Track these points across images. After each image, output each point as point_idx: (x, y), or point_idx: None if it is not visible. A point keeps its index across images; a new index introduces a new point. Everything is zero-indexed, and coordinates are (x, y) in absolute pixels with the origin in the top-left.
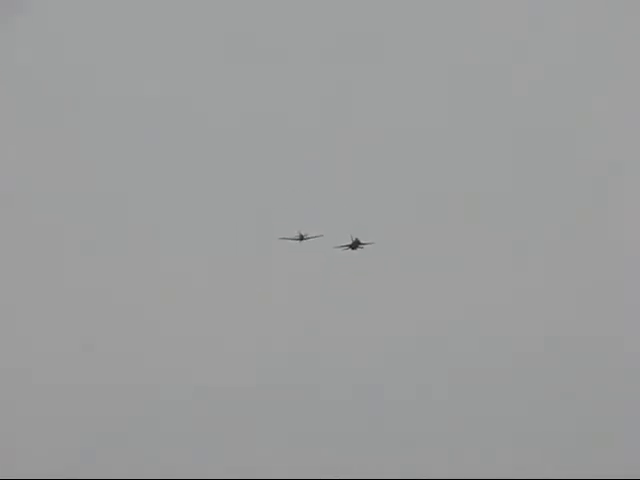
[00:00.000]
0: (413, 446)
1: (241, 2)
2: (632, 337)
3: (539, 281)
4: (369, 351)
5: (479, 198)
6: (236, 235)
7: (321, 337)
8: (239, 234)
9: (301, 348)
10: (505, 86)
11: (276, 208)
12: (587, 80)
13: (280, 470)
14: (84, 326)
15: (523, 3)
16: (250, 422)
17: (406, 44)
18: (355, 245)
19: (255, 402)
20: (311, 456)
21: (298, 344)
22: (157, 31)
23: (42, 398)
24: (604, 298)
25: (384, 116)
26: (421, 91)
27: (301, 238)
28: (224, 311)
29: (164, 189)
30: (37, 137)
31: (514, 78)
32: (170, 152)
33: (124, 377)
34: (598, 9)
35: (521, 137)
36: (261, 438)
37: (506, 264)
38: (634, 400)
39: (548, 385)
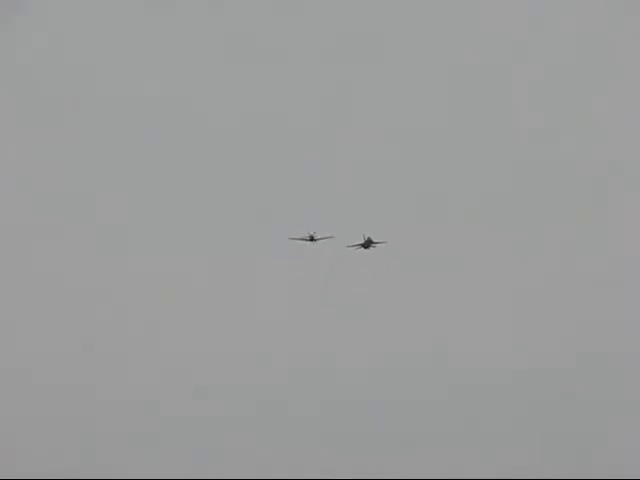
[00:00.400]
0: (413, 447)
1: (241, 2)
2: (632, 337)
3: (539, 282)
4: (369, 351)
5: (479, 198)
6: (236, 235)
7: (321, 337)
8: (239, 234)
9: (301, 348)
10: (505, 86)
11: (276, 208)
12: (587, 80)
13: (280, 470)
14: (84, 326)
15: (523, 3)
16: (250, 422)
17: (406, 44)
18: (367, 244)
19: (255, 402)
20: (311, 456)
21: (298, 344)
22: (157, 31)
23: (42, 398)
24: (604, 298)
25: (384, 116)
26: (421, 91)
27: (312, 239)
28: (224, 311)
29: (164, 189)
30: (37, 137)
31: (514, 78)
32: (170, 152)
33: (124, 377)
34: (598, 9)
35: (521, 137)
36: (261, 438)
37: (506, 264)
38: (634, 400)
39: (548, 385)
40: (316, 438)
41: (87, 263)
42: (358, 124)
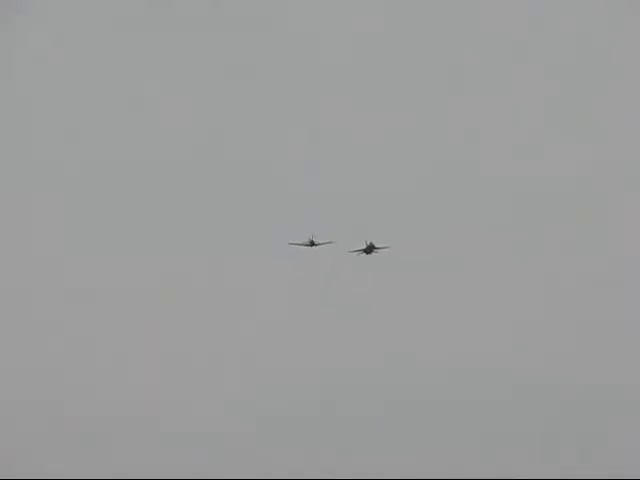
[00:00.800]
0: (413, 447)
1: (242, 4)
2: (632, 337)
3: (539, 282)
4: (369, 352)
5: (479, 198)
6: (236, 235)
7: (322, 337)
8: (239, 234)
9: (301, 348)
10: (505, 86)
11: (277, 208)
12: (587, 80)
13: (280, 470)
14: (84, 326)
15: (523, 3)
16: (250, 422)
17: (406, 44)
18: (370, 249)
19: (255, 402)
20: (311, 456)
21: (298, 344)
22: (158, 31)
23: (41, 398)
24: (604, 298)
25: (383, 116)
26: (421, 91)
27: (312, 244)
28: (224, 311)
29: (164, 189)
30: (37, 137)
31: (514, 78)
32: (170, 151)
33: (124, 377)
34: (598, 9)
35: (521, 137)
36: (261, 438)
37: (506, 264)
38: (634, 400)
39: (548, 385)
40: (316, 438)
41: (87, 263)
42: (357, 124)
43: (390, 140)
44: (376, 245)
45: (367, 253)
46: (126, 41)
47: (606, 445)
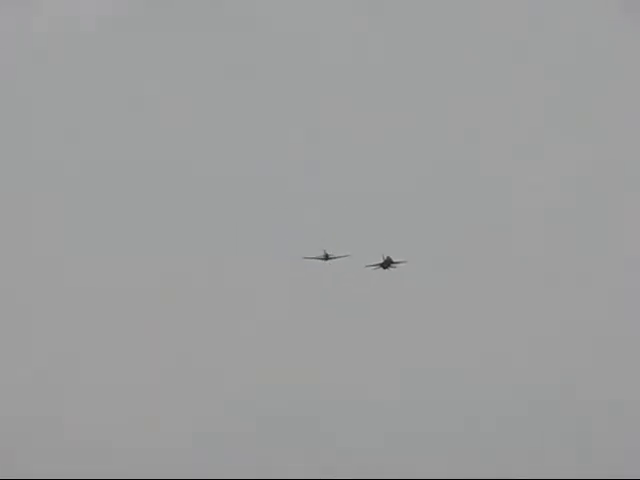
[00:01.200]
0: (414, 447)
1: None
2: (632, 337)
3: (539, 284)
4: (369, 352)
5: (480, 198)
6: (236, 235)
7: (322, 338)
8: (239, 234)
9: (301, 348)
10: (505, 86)
11: (277, 208)
12: (587, 80)
13: (280, 470)
14: (84, 326)
15: (523, 3)
16: (249, 422)
17: (406, 44)
18: (387, 264)
19: (254, 402)
20: (311, 456)
21: (298, 344)
22: (158, 31)
23: (43, 398)
24: (604, 298)
25: (383, 116)
26: (421, 91)
27: (326, 257)
28: (224, 311)
29: (164, 188)
30: (37, 137)
31: (514, 78)
32: (171, 150)
33: (123, 377)
34: (598, 9)
35: (521, 137)
36: (261, 437)
37: (506, 264)
38: (634, 400)
39: (548, 385)
40: (316, 438)
41: (87, 263)
42: (357, 124)
43: (390, 140)
44: (393, 260)
45: (384, 268)
46: (126, 41)
47: (606, 445)
